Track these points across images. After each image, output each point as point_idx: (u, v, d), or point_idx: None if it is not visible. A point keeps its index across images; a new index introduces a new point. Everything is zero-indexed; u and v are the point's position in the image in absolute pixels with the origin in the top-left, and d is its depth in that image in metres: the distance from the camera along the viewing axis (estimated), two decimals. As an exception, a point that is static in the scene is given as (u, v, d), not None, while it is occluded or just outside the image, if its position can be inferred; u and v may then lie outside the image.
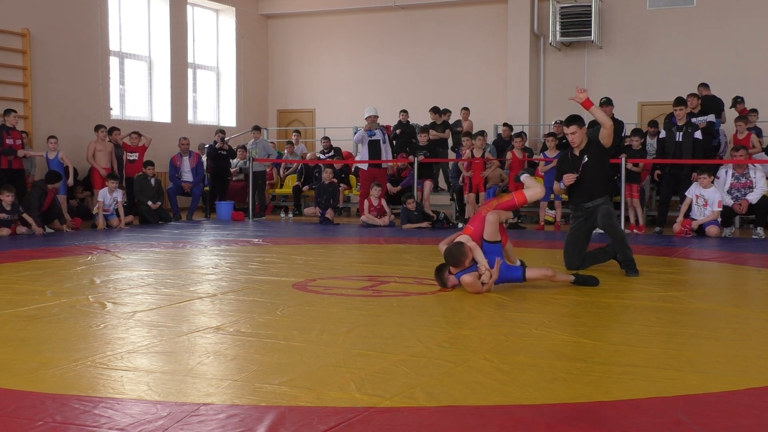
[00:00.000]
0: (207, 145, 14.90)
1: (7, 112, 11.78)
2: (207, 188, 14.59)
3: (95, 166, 12.63)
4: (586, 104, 6.44)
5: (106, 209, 11.70)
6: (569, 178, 6.64)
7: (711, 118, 12.21)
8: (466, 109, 15.10)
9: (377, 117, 12.85)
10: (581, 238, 6.91)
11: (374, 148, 12.67)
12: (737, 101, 12.74)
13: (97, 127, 12.78)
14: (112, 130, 13.06)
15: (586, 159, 6.68)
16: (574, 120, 6.75)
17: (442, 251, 5.83)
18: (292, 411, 2.95)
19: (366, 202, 12.32)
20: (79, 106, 13.79)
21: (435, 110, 14.61)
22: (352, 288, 6.00)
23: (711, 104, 12.43)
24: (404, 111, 14.60)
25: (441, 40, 17.12)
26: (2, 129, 11.64)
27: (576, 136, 6.69)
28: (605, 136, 6.64)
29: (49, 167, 11.99)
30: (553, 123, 14.53)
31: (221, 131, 14.67)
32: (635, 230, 11.05)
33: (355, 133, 13.23)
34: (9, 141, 11.61)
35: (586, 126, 7.42)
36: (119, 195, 11.86)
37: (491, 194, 13.04)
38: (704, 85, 12.80)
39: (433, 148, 13.64)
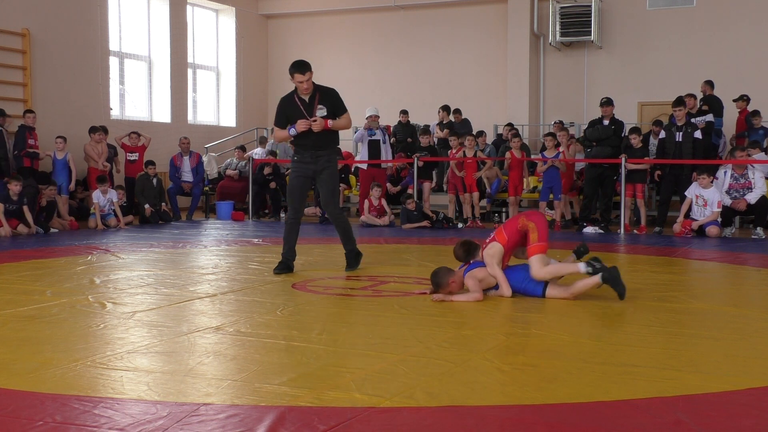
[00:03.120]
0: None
1: (26, 113, 11.83)
2: (207, 188, 14.59)
3: (92, 167, 12.62)
4: (327, 126, 6.56)
5: (102, 210, 11.71)
6: (303, 125, 6.52)
7: (710, 117, 12.22)
8: (455, 110, 14.90)
9: (378, 117, 12.84)
10: (307, 185, 6.86)
11: (374, 147, 12.65)
12: (743, 98, 12.74)
13: (92, 130, 12.74)
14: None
15: (324, 113, 6.59)
16: (309, 66, 6.57)
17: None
18: (292, 411, 2.95)
19: (366, 202, 12.32)
20: (79, 106, 13.79)
21: (445, 108, 14.62)
22: (352, 288, 6.00)
23: (713, 104, 12.46)
24: (404, 112, 14.59)
25: (441, 40, 17.12)
26: (24, 129, 11.70)
27: (310, 82, 6.56)
28: (342, 126, 6.76)
29: (55, 168, 12.04)
30: (552, 123, 14.53)
31: (273, 153, 14.28)
32: (635, 230, 11.08)
33: (356, 132, 13.21)
34: (31, 141, 11.70)
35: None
36: (114, 196, 11.86)
37: (495, 189, 13.04)
38: (709, 83, 12.78)
39: (433, 149, 13.59)
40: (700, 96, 12.69)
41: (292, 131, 6.60)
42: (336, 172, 6.87)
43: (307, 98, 6.62)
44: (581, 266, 5.34)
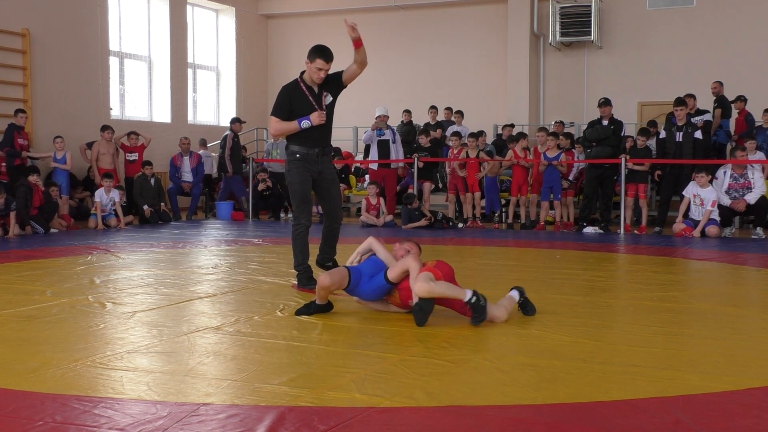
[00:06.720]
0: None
1: (17, 112, 11.83)
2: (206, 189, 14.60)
3: (99, 167, 12.62)
4: (357, 44, 5.71)
5: (103, 209, 11.70)
6: (321, 118, 5.77)
7: (708, 116, 12.22)
8: (457, 111, 14.87)
9: (387, 117, 12.73)
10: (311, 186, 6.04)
11: (383, 148, 12.53)
12: (740, 99, 12.76)
13: (104, 128, 12.81)
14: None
15: (331, 99, 5.91)
16: (333, 55, 5.84)
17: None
18: (292, 411, 2.95)
19: (364, 201, 12.31)
20: (79, 106, 13.79)
21: (434, 109, 14.62)
22: (352, 288, 5.98)
23: (725, 104, 12.49)
24: (407, 111, 14.58)
25: (441, 40, 17.11)
26: (13, 128, 11.68)
27: (327, 73, 5.84)
28: (352, 74, 5.87)
29: (56, 168, 12.03)
30: (552, 123, 14.53)
31: (263, 170, 13.75)
32: (635, 230, 11.07)
33: (365, 134, 13.12)
34: (20, 141, 11.69)
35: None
36: (116, 195, 11.85)
37: (495, 196, 13.01)
38: (720, 83, 12.76)
39: (434, 149, 13.59)
40: (700, 96, 12.68)
41: (305, 124, 5.75)
42: (336, 178, 6.27)
43: (316, 88, 5.88)
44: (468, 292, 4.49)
